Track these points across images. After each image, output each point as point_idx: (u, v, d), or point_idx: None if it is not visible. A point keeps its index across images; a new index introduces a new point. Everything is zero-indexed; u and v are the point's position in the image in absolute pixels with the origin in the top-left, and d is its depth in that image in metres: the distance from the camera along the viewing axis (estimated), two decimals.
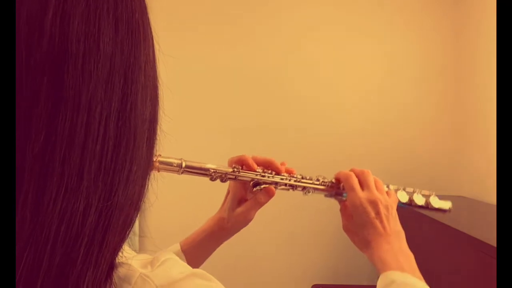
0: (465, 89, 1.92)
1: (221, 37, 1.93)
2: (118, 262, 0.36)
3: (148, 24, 0.36)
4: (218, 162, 0.70)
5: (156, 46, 0.37)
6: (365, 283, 1.90)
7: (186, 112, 1.90)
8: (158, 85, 0.38)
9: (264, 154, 0.72)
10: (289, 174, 0.73)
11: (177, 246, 0.74)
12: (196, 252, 0.73)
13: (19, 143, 0.29)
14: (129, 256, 0.37)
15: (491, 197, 1.64)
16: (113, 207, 0.32)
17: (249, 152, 0.72)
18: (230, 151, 0.74)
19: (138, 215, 0.37)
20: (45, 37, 0.29)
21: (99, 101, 0.31)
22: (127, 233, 0.36)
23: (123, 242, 0.36)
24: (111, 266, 0.34)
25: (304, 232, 1.96)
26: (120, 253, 0.35)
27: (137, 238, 1.79)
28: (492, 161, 1.63)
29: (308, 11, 1.95)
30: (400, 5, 1.98)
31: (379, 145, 1.97)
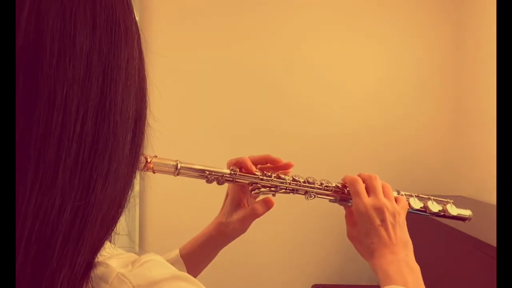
0: (465, 89, 1.92)
1: (220, 37, 1.93)
2: (98, 261, 0.35)
3: (132, 23, 0.35)
4: (218, 165, 0.68)
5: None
6: (365, 283, 1.90)
7: (185, 114, 1.90)
8: (146, 84, 0.37)
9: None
10: (288, 174, 0.70)
11: (176, 252, 0.72)
12: (195, 257, 0.72)
13: None
14: (108, 255, 0.36)
15: (491, 197, 1.64)
16: (90, 205, 0.32)
17: (248, 154, 0.70)
18: (229, 155, 0.72)
19: (128, 214, 0.37)
20: (20, 34, 0.29)
21: (75, 98, 0.30)
22: (109, 232, 0.35)
23: (104, 241, 0.35)
24: (89, 264, 0.34)
25: (304, 232, 1.96)
26: (100, 252, 0.35)
27: (137, 236, 1.79)
28: (492, 161, 1.63)
29: (308, 12, 1.95)
30: (400, 6, 1.98)
31: (379, 146, 1.97)
